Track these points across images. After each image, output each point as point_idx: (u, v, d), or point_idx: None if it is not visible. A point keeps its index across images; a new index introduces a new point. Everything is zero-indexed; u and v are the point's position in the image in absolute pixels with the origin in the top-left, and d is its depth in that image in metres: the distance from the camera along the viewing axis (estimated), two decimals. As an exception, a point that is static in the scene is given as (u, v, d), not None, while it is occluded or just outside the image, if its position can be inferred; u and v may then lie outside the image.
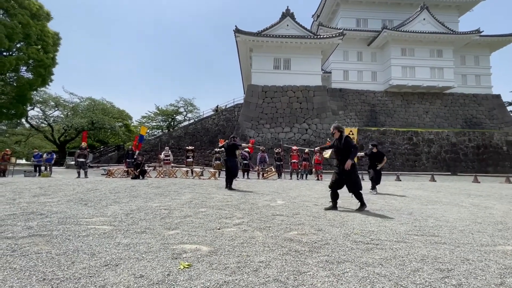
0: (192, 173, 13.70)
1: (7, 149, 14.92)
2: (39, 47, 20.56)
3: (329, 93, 31.51)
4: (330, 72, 35.46)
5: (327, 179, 14.49)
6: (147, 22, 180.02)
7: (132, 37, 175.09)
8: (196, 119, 38.00)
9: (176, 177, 12.74)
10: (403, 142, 27.69)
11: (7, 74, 20.47)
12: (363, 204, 5.09)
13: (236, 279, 2.03)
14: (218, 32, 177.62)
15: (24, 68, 21.28)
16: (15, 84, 20.92)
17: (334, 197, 5.11)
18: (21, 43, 19.31)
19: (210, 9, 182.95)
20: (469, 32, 32.46)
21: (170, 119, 44.90)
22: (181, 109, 44.58)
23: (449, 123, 33.95)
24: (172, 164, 14.74)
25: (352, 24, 36.29)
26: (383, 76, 35.22)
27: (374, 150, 8.47)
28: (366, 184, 7.59)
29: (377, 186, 8.32)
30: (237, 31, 25.85)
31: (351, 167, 4.82)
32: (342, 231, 3.51)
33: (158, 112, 44.04)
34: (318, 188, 9.22)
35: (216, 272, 2.16)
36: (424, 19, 33.12)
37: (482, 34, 32.81)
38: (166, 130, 40.70)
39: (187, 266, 2.26)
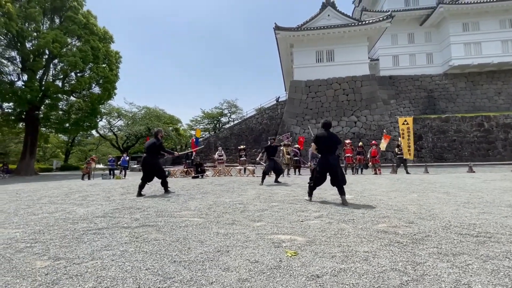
0: (245, 171, 14.12)
1: (94, 156, 17.53)
2: (105, 65, 23.45)
3: (377, 82, 29.42)
4: (377, 60, 33.10)
5: (386, 173, 13.55)
6: (182, 24, 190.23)
7: (168, 43, 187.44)
8: (240, 120, 39.05)
9: (231, 175, 13.28)
10: (471, 129, 24.41)
11: (82, 92, 23.80)
12: None
13: (351, 267, 2.04)
14: (252, 30, 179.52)
15: (94, 85, 24.41)
16: (88, 100, 24.19)
17: None
18: (91, 64, 22.25)
19: (245, 8, 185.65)
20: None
21: (215, 121, 46.94)
22: (225, 111, 46.28)
23: (531, 103, 28.89)
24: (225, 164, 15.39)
25: (400, 4, 33.24)
26: (441, 57, 31.57)
27: None
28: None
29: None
30: (277, 28, 25.75)
31: None
32: (437, 224, 3.26)
33: (204, 115, 46.39)
34: (381, 182, 8.69)
35: (325, 260, 2.20)
36: (490, -15, 28.74)
37: None
38: (213, 132, 42.65)
39: (294, 254, 2.35)
